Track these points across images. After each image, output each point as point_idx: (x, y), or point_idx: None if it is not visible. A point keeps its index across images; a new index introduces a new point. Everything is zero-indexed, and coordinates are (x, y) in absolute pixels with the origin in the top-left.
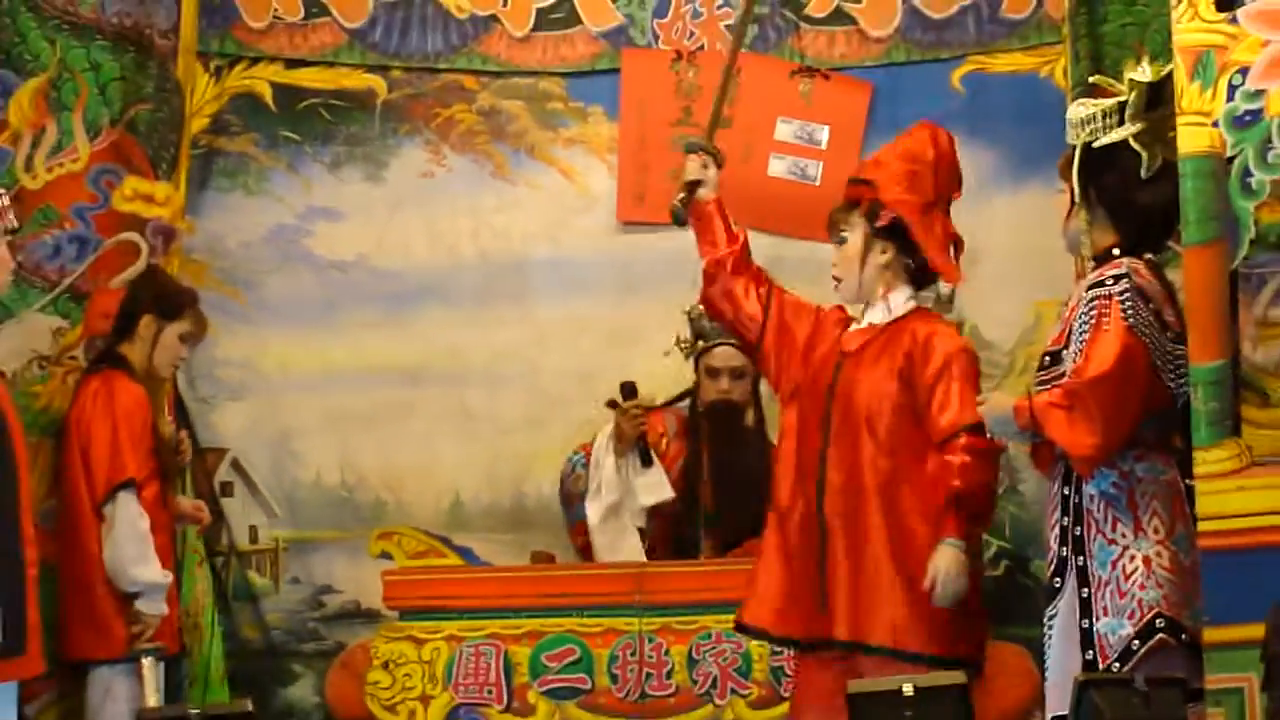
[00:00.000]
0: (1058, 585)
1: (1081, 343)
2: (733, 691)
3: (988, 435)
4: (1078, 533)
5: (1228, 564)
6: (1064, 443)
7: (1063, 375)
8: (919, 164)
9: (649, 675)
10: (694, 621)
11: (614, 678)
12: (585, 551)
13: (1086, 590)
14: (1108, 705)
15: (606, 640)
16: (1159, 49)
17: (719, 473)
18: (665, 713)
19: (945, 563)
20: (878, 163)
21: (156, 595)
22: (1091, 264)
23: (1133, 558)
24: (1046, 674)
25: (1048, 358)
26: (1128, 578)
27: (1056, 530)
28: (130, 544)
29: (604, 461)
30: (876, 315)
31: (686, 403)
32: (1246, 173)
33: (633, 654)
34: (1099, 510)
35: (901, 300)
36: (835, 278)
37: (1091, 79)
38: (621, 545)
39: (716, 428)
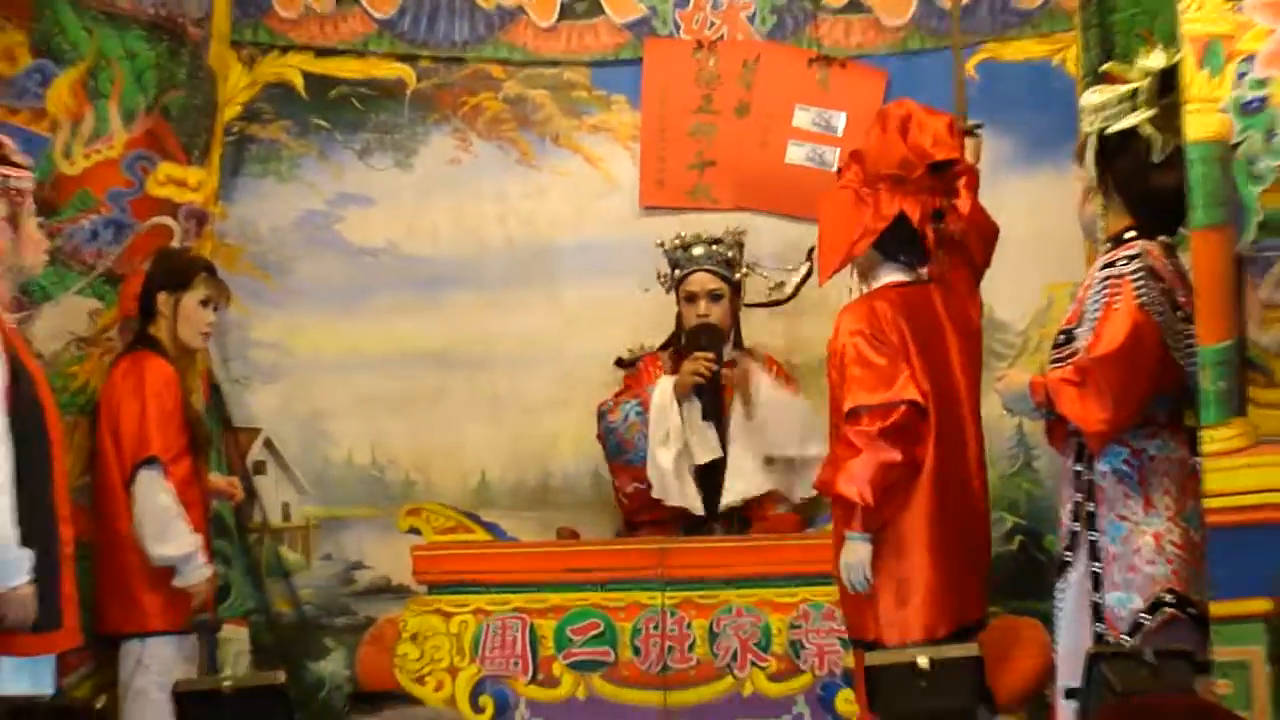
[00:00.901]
0: (1069, 559)
1: (1093, 321)
2: (753, 664)
3: (1005, 409)
4: (1090, 509)
5: (1234, 540)
6: (1075, 418)
7: (1075, 353)
8: (861, 150)
9: (671, 648)
10: (715, 596)
11: (637, 650)
12: (634, 499)
13: (1098, 565)
14: (1117, 677)
15: (630, 614)
16: (1167, 37)
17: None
18: (687, 684)
19: (841, 555)
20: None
21: (188, 566)
22: (1107, 247)
23: (1143, 534)
24: (1057, 646)
25: (1061, 336)
26: (1137, 553)
27: (1069, 506)
28: (151, 521)
29: (669, 409)
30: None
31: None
32: (1253, 158)
33: (655, 627)
34: (1110, 487)
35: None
36: None
37: (1103, 67)
38: (687, 492)
39: (699, 350)
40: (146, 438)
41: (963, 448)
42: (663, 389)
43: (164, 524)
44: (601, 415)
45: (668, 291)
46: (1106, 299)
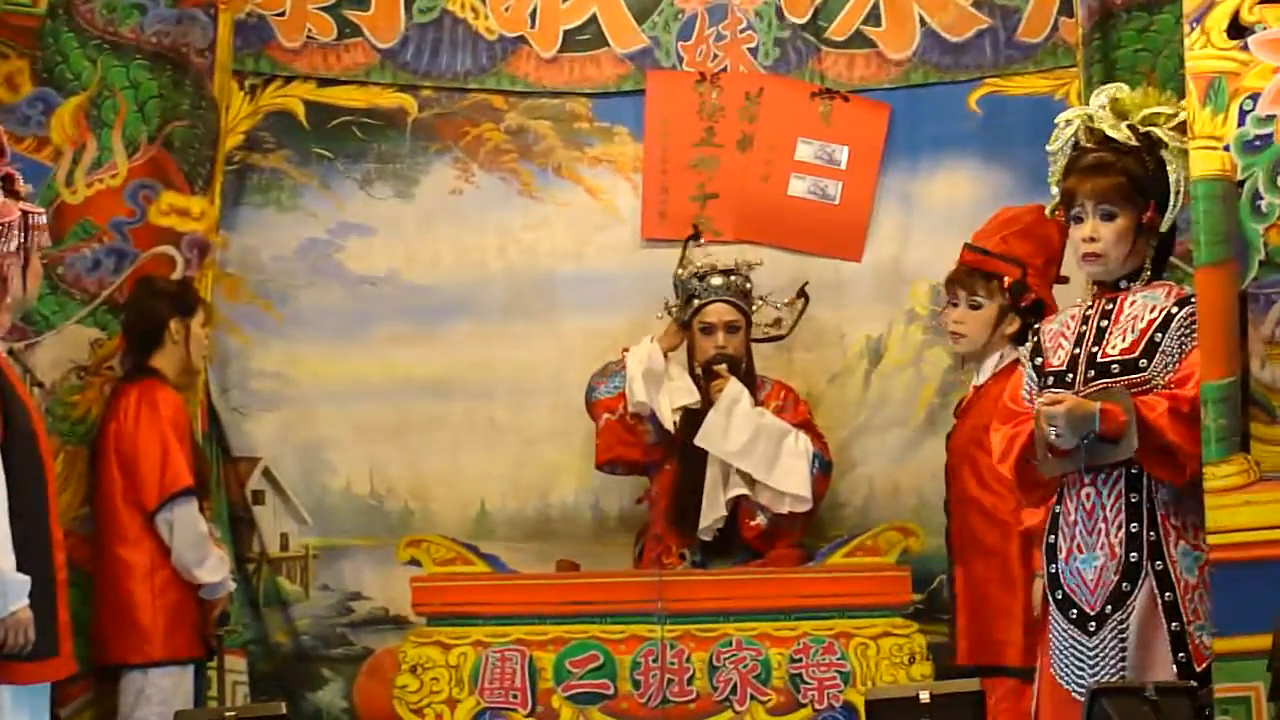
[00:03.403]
0: (1126, 590)
1: (1178, 355)
2: (752, 698)
3: (1056, 436)
4: (1153, 537)
5: (1236, 576)
6: (1188, 446)
7: (1149, 384)
8: (1051, 251)
9: (670, 681)
10: (715, 629)
11: (636, 683)
12: (605, 433)
13: (1170, 594)
14: (1119, 714)
15: (629, 646)
16: (1169, 74)
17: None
18: (686, 718)
19: None
20: (1013, 240)
21: (220, 589)
22: (1136, 285)
23: None
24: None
25: (1116, 366)
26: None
27: (1119, 535)
28: (192, 549)
29: (654, 353)
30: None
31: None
32: (1257, 196)
33: (655, 660)
34: (1177, 517)
35: (993, 363)
36: (957, 334)
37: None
38: (660, 401)
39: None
40: (179, 470)
41: None
42: (645, 342)
43: (205, 552)
44: (591, 388)
45: (676, 321)
46: (1194, 336)
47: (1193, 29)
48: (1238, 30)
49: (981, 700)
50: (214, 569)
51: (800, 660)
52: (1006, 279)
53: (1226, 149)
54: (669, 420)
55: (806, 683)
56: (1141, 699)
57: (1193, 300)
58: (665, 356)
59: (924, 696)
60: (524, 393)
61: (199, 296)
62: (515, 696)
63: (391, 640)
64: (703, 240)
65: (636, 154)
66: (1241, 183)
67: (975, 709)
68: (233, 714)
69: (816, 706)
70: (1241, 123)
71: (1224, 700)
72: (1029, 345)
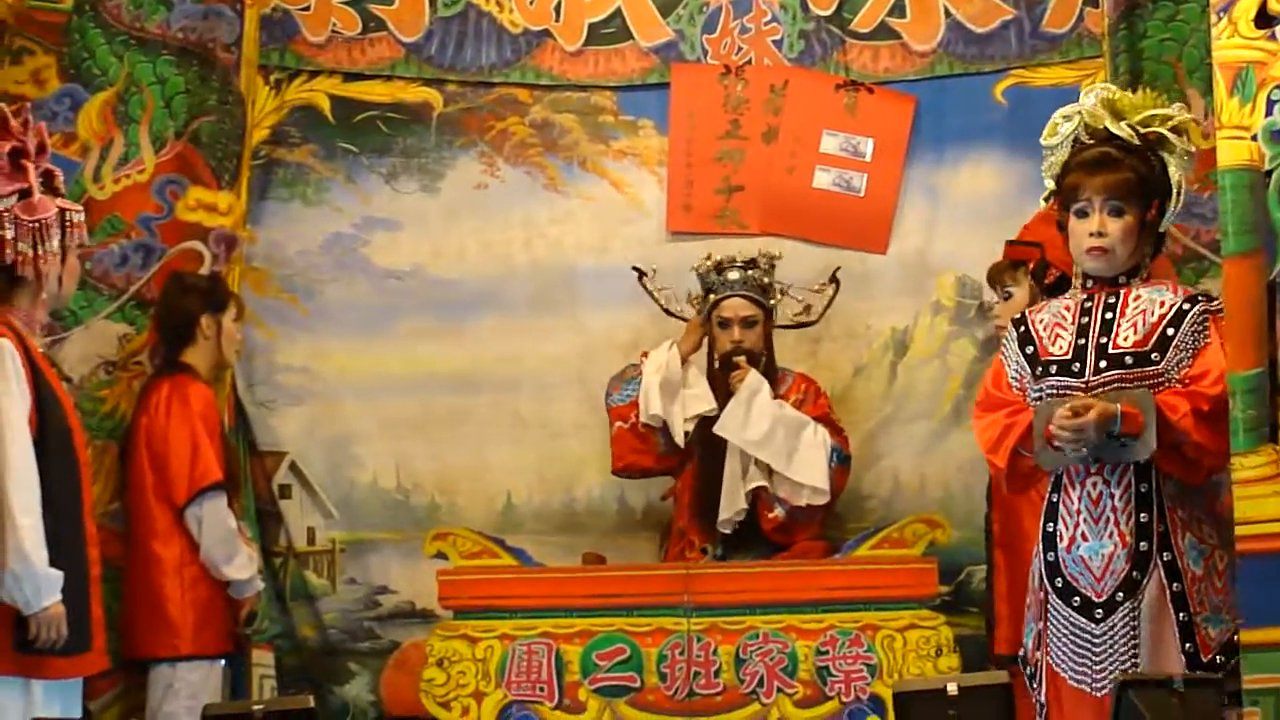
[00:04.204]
0: (1137, 578)
1: (1193, 352)
2: (779, 690)
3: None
4: (1162, 529)
5: (1264, 567)
6: (1211, 445)
7: (1161, 377)
8: None
9: (697, 674)
10: (741, 622)
11: (663, 676)
12: (619, 441)
13: (1178, 585)
14: (1146, 705)
15: (656, 639)
16: (1195, 64)
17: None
18: (712, 711)
19: None
20: (1034, 225)
21: (249, 584)
22: (1135, 281)
23: (1222, 558)
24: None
25: (1129, 358)
26: (1221, 576)
27: (1129, 524)
28: (221, 545)
29: (672, 360)
30: None
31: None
32: None
33: (681, 653)
34: (1183, 510)
35: None
36: (1000, 327)
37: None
38: (671, 410)
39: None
40: (209, 465)
41: None
42: (664, 349)
43: (234, 548)
44: (608, 393)
45: (698, 314)
46: (1210, 333)
47: (1220, 18)
48: (1266, 20)
49: (1010, 692)
50: (242, 566)
51: (827, 653)
52: (1030, 263)
53: (1254, 139)
54: (680, 434)
55: (833, 675)
56: (1170, 690)
57: (1201, 299)
58: (685, 361)
59: (952, 689)
60: (549, 386)
61: (230, 291)
62: (542, 689)
63: (418, 634)
64: (650, 275)
65: (661, 147)
66: (1269, 172)
67: (1004, 701)
68: (260, 708)
69: (843, 699)
70: (1269, 112)
71: (1252, 691)
72: (1015, 334)
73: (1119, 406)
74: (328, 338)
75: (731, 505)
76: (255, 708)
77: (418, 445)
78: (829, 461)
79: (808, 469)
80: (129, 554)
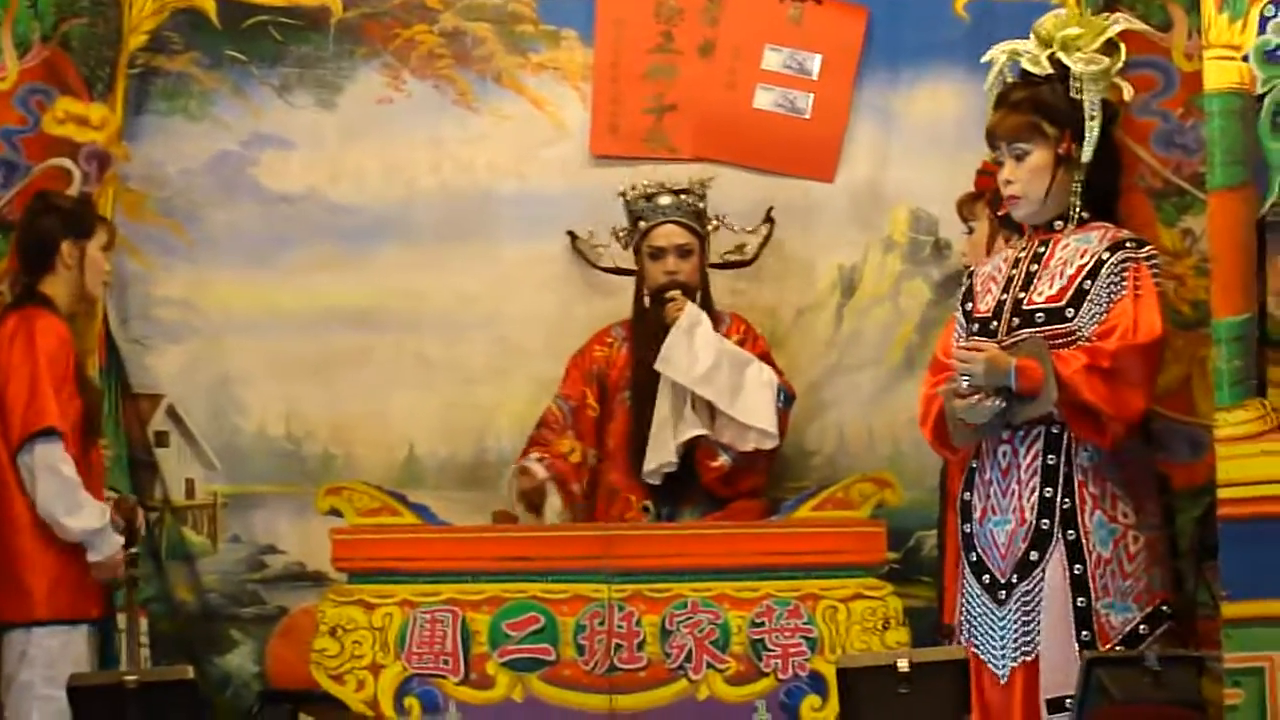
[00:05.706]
0: (1034, 559)
1: (1106, 304)
2: (709, 665)
3: (966, 385)
4: (1065, 506)
5: (1249, 534)
6: (1108, 407)
7: (1074, 334)
8: None
9: (618, 646)
10: (668, 589)
11: (580, 649)
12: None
13: (1080, 567)
14: (1116, 684)
15: (573, 608)
16: None
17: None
18: (635, 687)
19: None
20: None
21: (102, 539)
22: (1069, 226)
23: (1136, 539)
24: (1040, 654)
25: (1040, 314)
26: (1132, 559)
27: (1032, 499)
28: (58, 495)
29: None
30: None
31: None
32: (1278, 111)
33: (601, 623)
34: (1095, 485)
35: None
36: (965, 264)
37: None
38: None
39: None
40: (42, 407)
41: None
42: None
43: (73, 497)
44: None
45: (626, 248)
46: (1128, 284)
47: None
48: None
49: (966, 669)
50: (87, 518)
51: (762, 624)
52: (986, 194)
53: (1245, 59)
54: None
55: (769, 649)
56: (1142, 669)
57: (1128, 244)
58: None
59: (902, 665)
60: (459, 325)
61: (98, 215)
62: (446, 662)
63: (309, 599)
64: (586, 237)
65: (586, 61)
66: (1261, 97)
67: (959, 678)
68: (134, 679)
69: (780, 676)
70: (1262, 30)
71: (1235, 671)
72: (961, 289)
73: (1014, 360)
74: (211, 268)
75: (659, 455)
76: (127, 679)
77: (310, 389)
78: (776, 401)
79: (754, 410)
80: None
